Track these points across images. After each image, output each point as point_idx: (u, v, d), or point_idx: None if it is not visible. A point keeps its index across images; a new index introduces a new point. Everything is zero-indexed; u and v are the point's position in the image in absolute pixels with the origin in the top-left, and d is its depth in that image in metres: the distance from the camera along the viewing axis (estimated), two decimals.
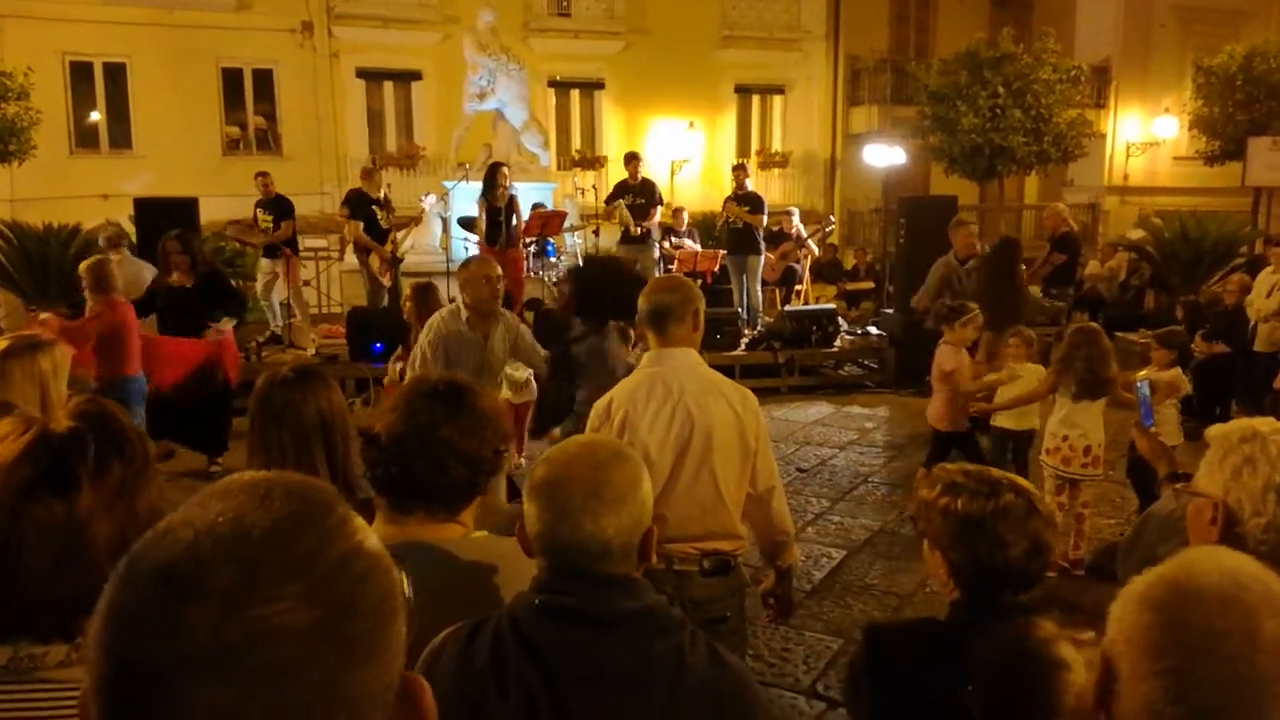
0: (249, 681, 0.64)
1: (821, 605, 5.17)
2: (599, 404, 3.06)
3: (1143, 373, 4.37)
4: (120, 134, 17.66)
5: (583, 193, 15.09)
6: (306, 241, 11.69)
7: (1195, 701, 1.08)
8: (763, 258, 11.59)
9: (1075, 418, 5.53)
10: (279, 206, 10.56)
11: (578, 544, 1.55)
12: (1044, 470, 5.74)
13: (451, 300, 5.47)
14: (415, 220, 11.14)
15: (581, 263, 5.20)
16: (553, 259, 12.02)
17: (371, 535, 0.76)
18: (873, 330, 12.02)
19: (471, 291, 4.70)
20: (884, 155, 15.37)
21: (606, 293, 4.71)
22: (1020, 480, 1.99)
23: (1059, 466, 5.61)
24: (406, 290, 6.55)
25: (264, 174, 10.81)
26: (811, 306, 11.98)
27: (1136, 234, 15.55)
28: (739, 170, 11.88)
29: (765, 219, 11.37)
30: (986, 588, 1.91)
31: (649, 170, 12.75)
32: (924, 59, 19.80)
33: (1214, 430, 1.96)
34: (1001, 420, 6.31)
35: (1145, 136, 21.46)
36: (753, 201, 11.32)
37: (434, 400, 1.86)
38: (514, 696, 1.50)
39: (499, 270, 4.90)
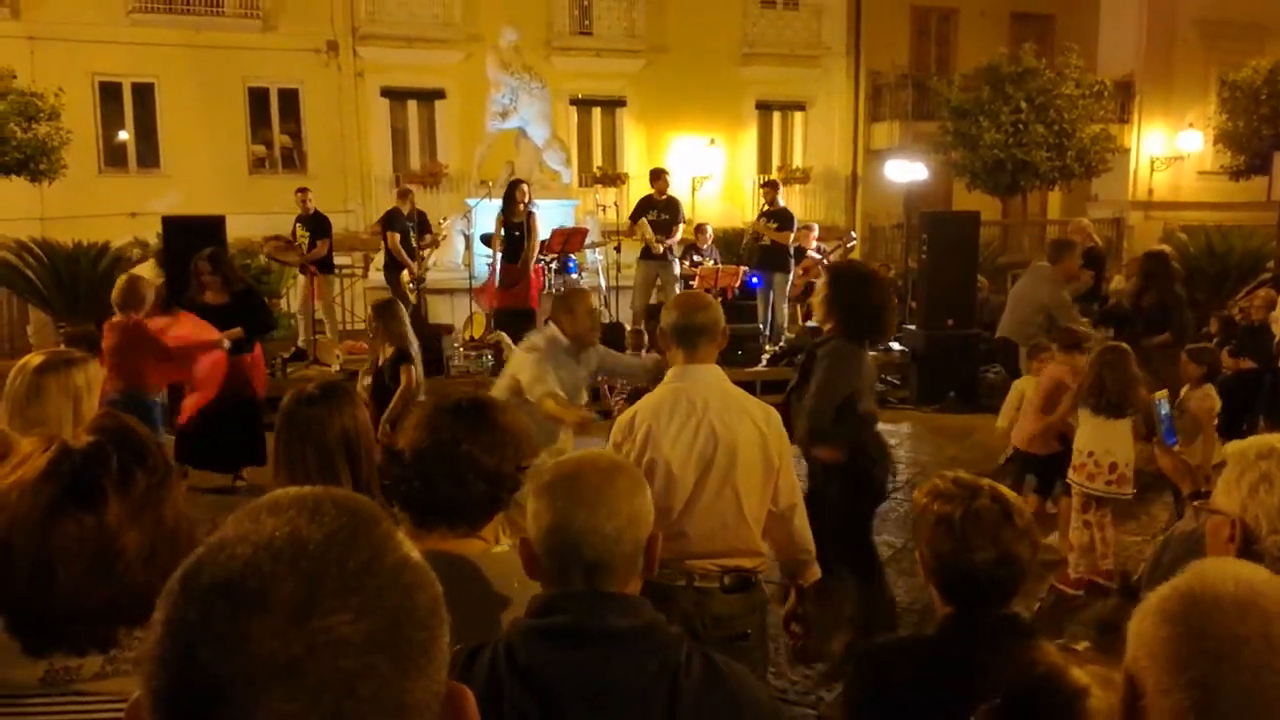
0: (311, 693, 0.65)
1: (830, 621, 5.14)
2: (623, 418, 3.06)
3: (1162, 392, 4.34)
4: (148, 153, 17.91)
5: (604, 209, 15.15)
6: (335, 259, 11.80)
7: (1223, 710, 1.08)
8: (790, 275, 11.58)
9: (1100, 435, 5.49)
10: (318, 224, 10.71)
11: (581, 537, 1.56)
12: (1072, 488, 5.69)
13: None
14: (432, 240, 11.28)
15: (838, 271, 4.94)
16: (574, 275, 12.05)
17: (414, 547, 0.78)
18: (895, 346, 11.97)
19: (576, 324, 4.68)
20: (905, 171, 15.35)
21: (869, 308, 4.27)
22: (1006, 490, 1.98)
23: (1084, 483, 5.56)
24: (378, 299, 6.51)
25: (304, 190, 10.97)
26: None
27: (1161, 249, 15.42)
28: (769, 187, 11.88)
29: (793, 235, 11.37)
30: (962, 596, 1.92)
31: (672, 188, 12.79)
32: (945, 74, 19.79)
33: (1232, 447, 1.95)
34: (1020, 442, 6.37)
35: (1169, 151, 21.32)
36: (781, 218, 11.32)
37: (457, 416, 1.88)
38: None
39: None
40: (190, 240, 8.47)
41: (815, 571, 3.28)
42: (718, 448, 2.94)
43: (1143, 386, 5.41)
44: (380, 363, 5.88)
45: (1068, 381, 5.95)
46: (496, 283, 10.81)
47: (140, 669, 0.69)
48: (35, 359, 2.61)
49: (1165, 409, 3.31)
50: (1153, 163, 21.52)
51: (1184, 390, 6.46)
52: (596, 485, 1.60)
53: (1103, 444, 5.49)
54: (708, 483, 2.94)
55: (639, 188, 14.53)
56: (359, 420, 2.38)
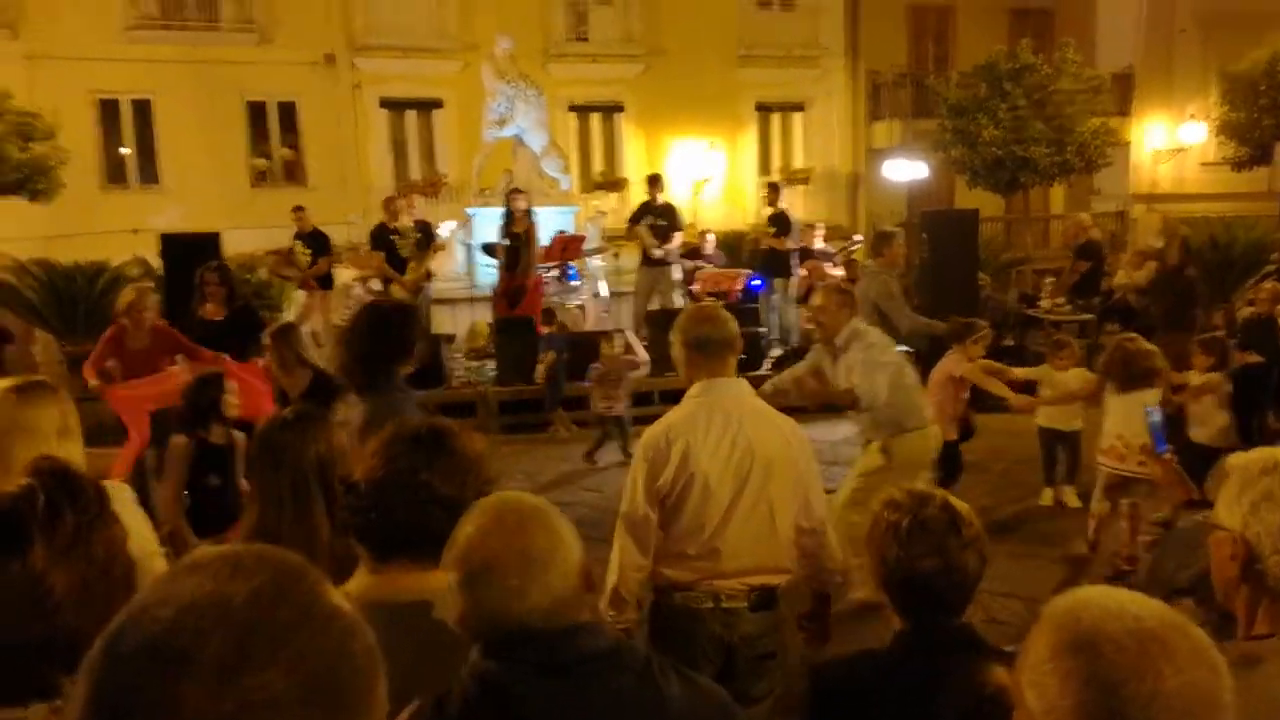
0: None
1: (852, 627, 5.10)
2: (654, 434, 2.97)
3: (1155, 394, 4.38)
4: (148, 169, 17.96)
5: (604, 215, 15.15)
6: (337, 271, 11.78)
7: None
8: (793, 278, 11.54)
9: (1129, 416, 5.49)
10: (318, 241, 10.72)
11: (514, 624, 1.48)
12: (1099, 471, 5.79)
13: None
14: (435, 248, 11.20)
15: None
16: (575, 282, 12.04)
17: (342, 598, 0.75)
18: (900, 346, 11.90)
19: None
20: (906, 170, 15.33)
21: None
22: (957, 503, 1.98)
23: (1115, 465, 5.62)
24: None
25: (300, 208, 10.95)
26: None
27: (1160, 242, 15.35)
28: (771, 189, 11.84)
29: (790, 241, 11.32)
30: (911, 606, 1.92)
31: (670, 193, 12.76)
32: (944, 72, 19.74)
33: (1234, 460, 1.91)
34: (1047, 420, 6.74)
35: (1171, 143, 21.24)
36: (779, 223, 11.29)
37: (414, 445, 1.84)
38: None
39: None
40: (189, 257, 8.47)
41: (843, 589, 3.26)
42: (754, 462, 2.91)
43: (1160, 358, 5.55)
44: (295, 395, 5.30)
45: (956, 373, 6.46)
46: (501, 292, 10.81)
47: None
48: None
49: (1156, 417, 3.26)
50: (1155, 155, 21.43)
51: (1190, 376, 6.61)
52: (517, 568, 1.49)
53: (1132, 425, 5.46)
54: (744, 497, 2.91)
55: (639, 193, 14.51)
56: (334, 446, 2.34)
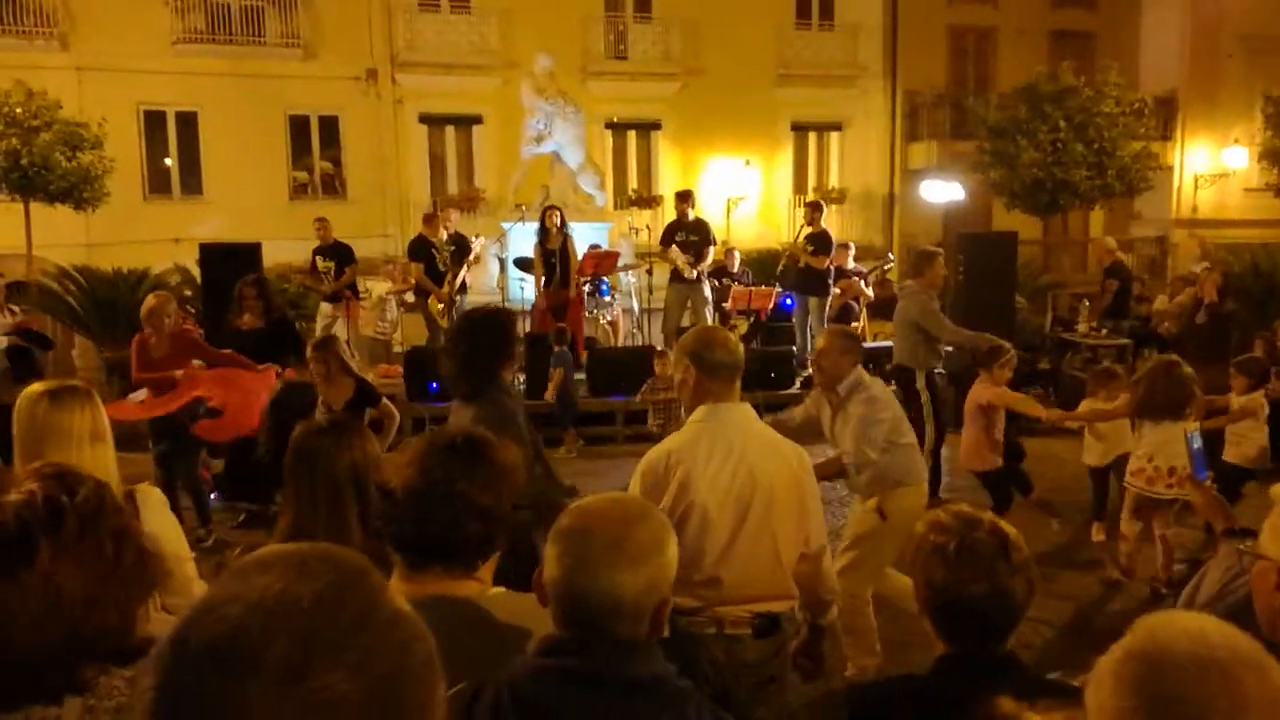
0: None
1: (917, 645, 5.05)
2: (654, 458, 2.90)
3: (1194, 426, 4.32)
4: (191, 180, 18.24)
5: (638, 232, 15.17)
6: (371, 284, 11.89)
7: None
8: (828, 298, 11.49)
9: (1161, 440, 5.47)
10: (339, 253, 10.81)
11: (591, 595, 1.52)
12: (1126, 492, 5.74)
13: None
14: (469, 262, 11.27)
15: None
16: (607, 298, 12.06)
17: (404, 600, 0.76)
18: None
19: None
20: (943, 191, 15.23)
21: None
22: (1006, 526, 1.93)
23: (1143, 487, 5.58)
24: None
25: (322, 220, 11.05)
26: (869, 344, 11.83)
27: (1199, 268, 15.15)
28: (812, 208, 11.73)
29: (829, 261, 11.24)
30: (956, 631, 1.88)
31: (703, 209, 12.76)
32: (983, 93, 19.63)
33: (1278, 490, 1.88)
34: (1096, 460, 6.67)
35: (1214, 168, 20.96)
36: (820, 242, 11.22)
37: (451, 454, 1.84)
38: None
39: None
40: (228, 266, 8.59)
41: (834, 612, 3.21)
42: (755, 491, 2.84)
43: (1196, 385, 5.49)
44: (339, 405, 5.46)
45: (983, 400, 6.45)
46: (545, 306, 10.86)
47: None
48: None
49: (1197, 443, 3.21)
50: (1196, 180, 21.15)
51: (1231, 399, 6.60)
52: (608, 546, 1.55)
53: (1163, 450, 5.47)
54: (746, 527, 2.84)
55: (674, 210, 14.55)
56: (368, 453, 2.36)
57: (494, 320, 3.57)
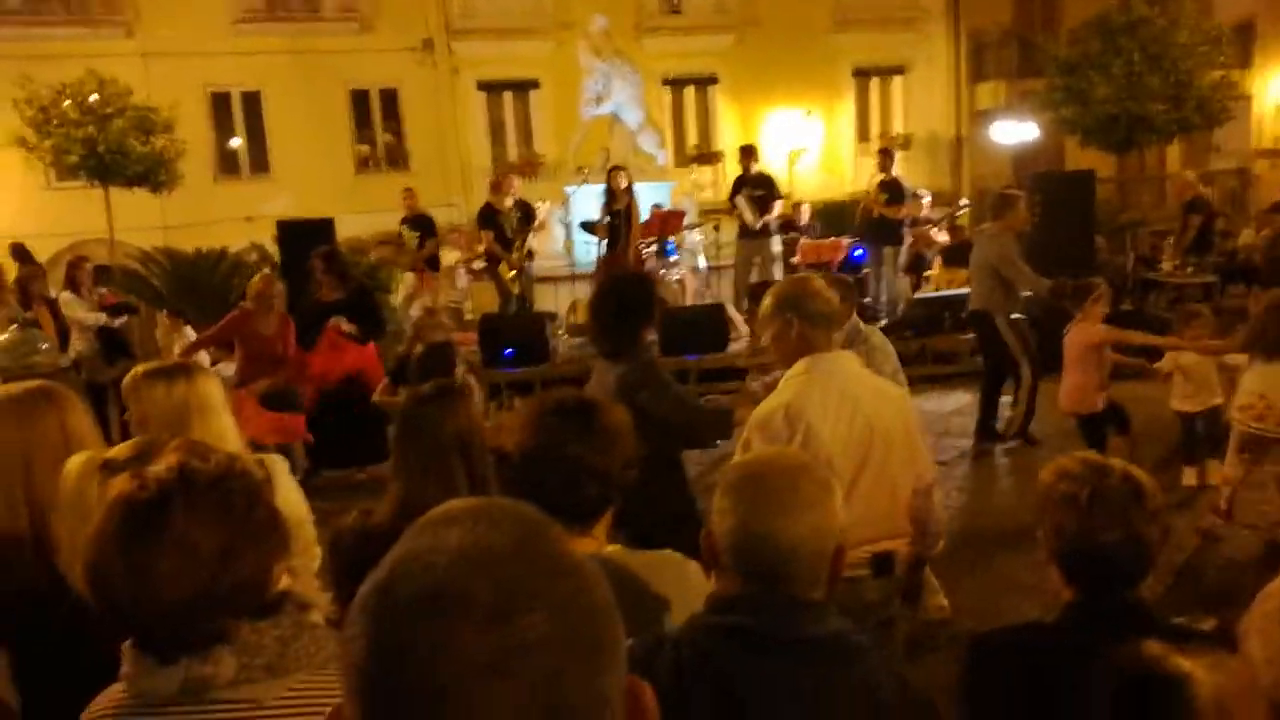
0: (521, 690, 0.68)
1: (970, 601, 5.02)
2: (768, 414, 2.87)
3: None
4: (259, 159, 18.55)
5: (701, 189, 15.09)
6: (441, 254, 12.01)
7: None
8: (900, 247, 11.32)
9: (1272, 379, 5.31)
10: (423, 224, 10.94)
11: (769, 538, 1.54)
12: (1233, 430, 5.56)
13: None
14: (535, 227, 11.32)
15: None
16: (673, 258, 12.03)
17: (580, 552, 0.79)
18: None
19: None
20: (1013, 131, 14.85)
21: None
22: (1138, 472, 1.89)
23: (1253, 423, 5.40)
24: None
25: (410, 190, 11.18)
26: (943, 292, 11.64)
27: None
28: (884, 155, 11.54)
29: (904, 210, 11.06)
30: (1086, 579, 1.85)
31: (765, 163, 12.62)
32: (1051, 29, 19.01)
33: None
34: (1181, 403, 6.46)
35: None
36: (892, 190, 11.05)
37: (563, 418, 1.88)
38: None
39: None
40: (304, 242, 8.72)
41: (941, 545, 3.22)
42: (874, 436, 2.87)
43: None
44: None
45: (1096, 340, 6.14)
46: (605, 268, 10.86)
47: (344, 682, 0.72)
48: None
49: None
50: (1278, 109, 20.31)
51: None
52: (781, 490, 1.58)
53: (1275, 387, 5.31)
54: (866, 471, 2.87)
55: (734, 165, 14.42)
56: (473, 419, 2.40)
57: (638, 282, 3.74)
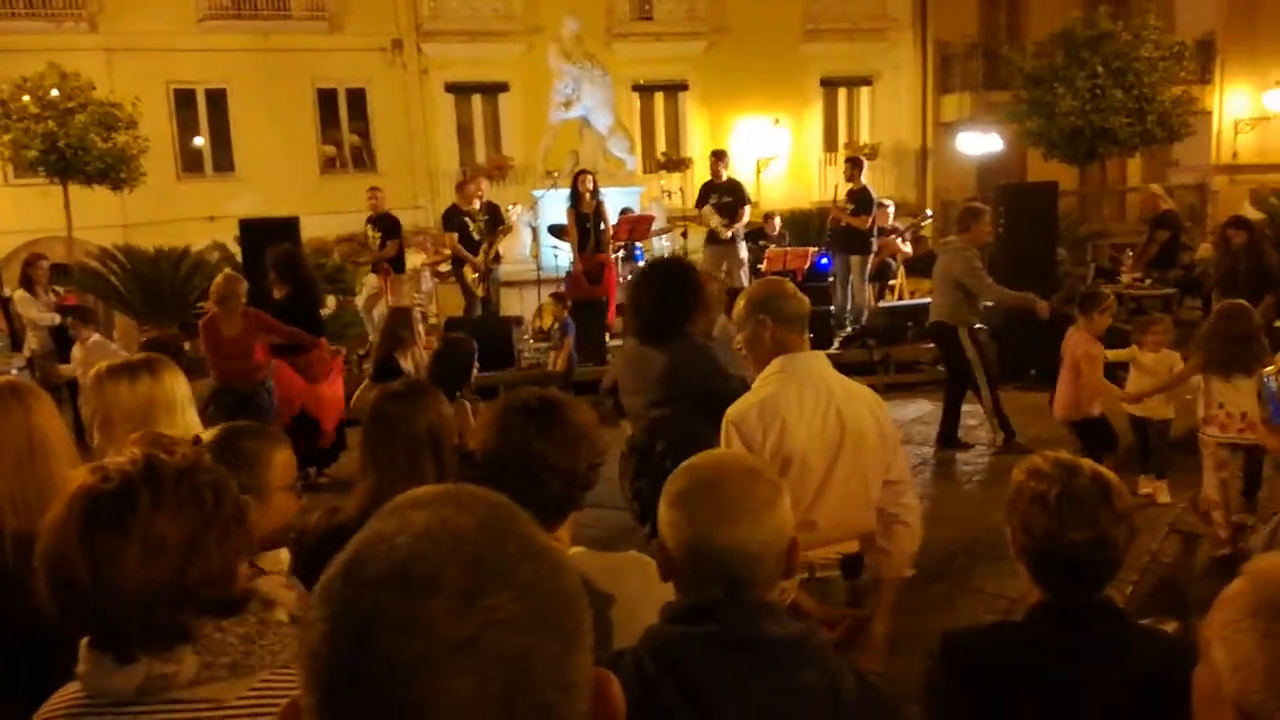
0: (487, 669, 0.67)
1: (931, 607, 5.04)
2: (743, 410, 2.89)
3: (1271, 368, 4.22)
4: (223, 158, 18.34)
5: (669, 195, 15.10)
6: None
7: None
8: (868, 256, 11.37)
9: (1228, 391, 5.37)
10: (386, 224, 10.83)
11: (732, 549, 1.52)
12: (1204, 447, 5.59)
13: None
14: (504, 230, 11.25)
15: None
16: (640, 263, 12.03)
17: (549, 537, 0.79)
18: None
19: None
20: (978, 143, 15.01)
21: None
22: (1107, 473, 1.90)
23: (1217, 434, 5.47)
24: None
25: (375, 189, 11.06)
26: (906, 302, 11.74)
27: (1252, 214, 14.84)
28: (852, 164, 11.57)
29: (871, 220, 11.10)
30: (1054, 578, 1.86)
31: (734, 170, 12.66)
32: (1017, 42, 19.27)
33: None
34: (1140, 409, 6.40)
35: (1255, 111, 20.51)
36: (859, 199, 11.11)
37: (527, 416, 1.85)
38: None
39: None
40: (267, 242, 8.62)
41: (908, 570, 3.21)
42: (845, 434, 2.87)
43: (1263, 335, 5.41)
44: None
45: (1092, 352, 6.18)
46: (581, 271, 10.82)
47: (304, 670, 0.70)
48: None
49: (1273, 385, 3.13)
50: (1237, 125, 20.72)
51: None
52: (737, 497, 1.55)
53: (1233, 397, 5.38)
54: (837, 470, 2.88)
55: (703, 172, 14.46)
56: (443, 417, 2.40)
57: (682, 269, 3.72)
